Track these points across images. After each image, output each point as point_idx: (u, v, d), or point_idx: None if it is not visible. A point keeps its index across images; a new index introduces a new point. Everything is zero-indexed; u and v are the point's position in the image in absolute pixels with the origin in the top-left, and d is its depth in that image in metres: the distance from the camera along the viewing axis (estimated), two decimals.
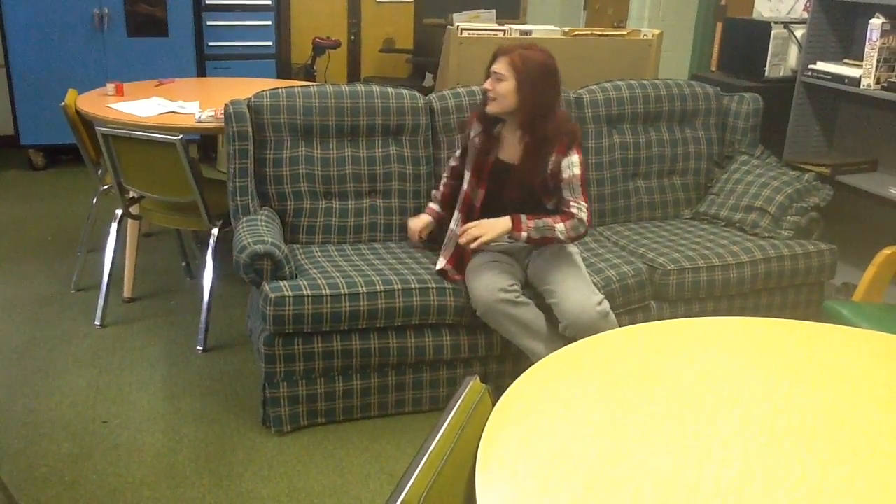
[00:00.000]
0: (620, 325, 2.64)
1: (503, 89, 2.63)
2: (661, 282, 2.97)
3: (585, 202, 2.69)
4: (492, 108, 2.68)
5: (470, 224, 2.67)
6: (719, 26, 5.47)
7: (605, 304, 2.63)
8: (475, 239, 2.62)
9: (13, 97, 5.26)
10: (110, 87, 3.89)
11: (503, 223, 2.64)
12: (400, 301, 2.64)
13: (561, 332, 2.64)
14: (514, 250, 2.80)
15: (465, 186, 2.80)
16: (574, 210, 2.67)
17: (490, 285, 2.62)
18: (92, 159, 3.66)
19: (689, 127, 3.53)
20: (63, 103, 3.51)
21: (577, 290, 2.62)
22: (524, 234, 2.64)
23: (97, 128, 3.19)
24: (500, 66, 2.63)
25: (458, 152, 2.94)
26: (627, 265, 2.93)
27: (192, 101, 3.73)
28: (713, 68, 5.06)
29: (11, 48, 5.13)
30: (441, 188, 2.97)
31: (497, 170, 2.74)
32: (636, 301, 2.92)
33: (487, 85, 2.66)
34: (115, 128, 3.20)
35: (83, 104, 3.57)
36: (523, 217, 2.65)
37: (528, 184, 2.68)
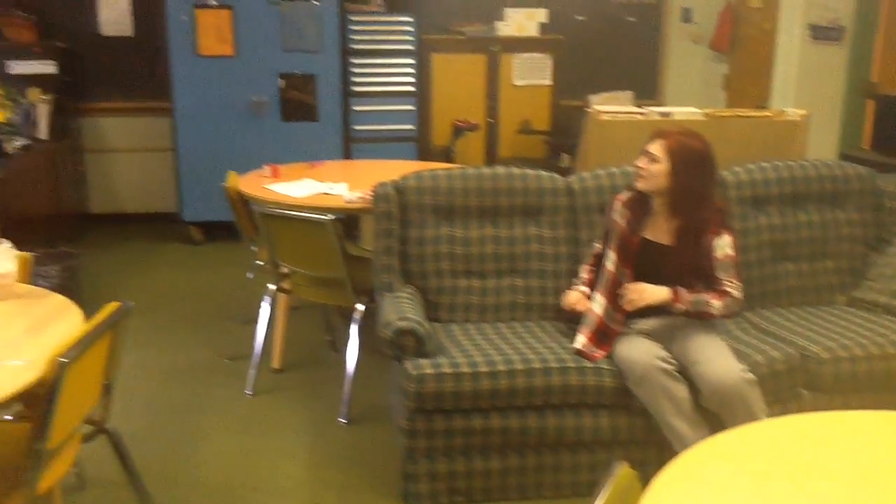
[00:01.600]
0: (771, 416, 2.54)
1: (655, 170, 2.67)
2: (815, 370, 2.83)
3: (739, 281, 2.71)
4: (641, 185, 2.73)
5: (631, 285, 2.71)
6: (870, 104, 5.30)
7: (751, 375, 2.56)
8: (632, 301, 2.68)
9: (178, 177, 5.71)
10: (267, 169, 4.15)
11: (662, 292, 2.68)
12: (539, 380, 2.64)
13: (704, 402, 2.57)
14: (657, 332, 2.76)
15: (609, 266, 2.81)
16: (728, 289, 2.69)
17: (649, 351, 2.62)
18: (248, 236, 3.90)
19: (840, 208, 3.40)
20: (225, 184, 3.78)
21: (721, 357, 2.60)
22: (682, 306, 2.67)
23: (255, 208, 3.42)
24: (656, 148, 2.68)
25: (597, 242, 2.96)
26: (776, 350, 2.82)
27: (341, 182, 3.92)
28: (865, 147, 4.87)
29: (179, 133, 5.60)
30: (584, 275, 2.98)
31: (645, 249, 2.75)
32: (786, 388, 2.79)
33: (640, 163, 2.70)
34: (271, 208, 3.42)
35: (243, 185, 3.83)
36: (682, 290, 2.67)
37: (682, 267, 2.69)
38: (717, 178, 2.76)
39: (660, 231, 2.76)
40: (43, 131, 5.30)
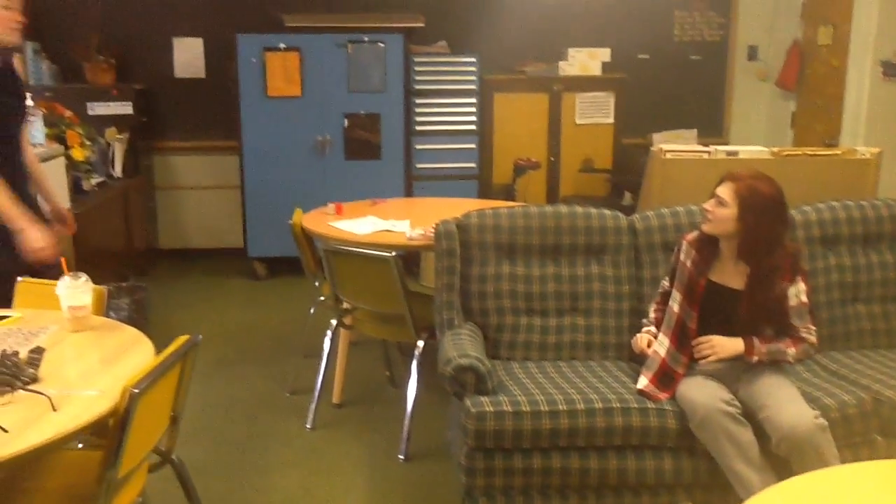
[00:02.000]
0: (842, 461, 2.46)
1: (722, 214, 2.63)
2: (889, 416, 2.72)
3: (814, 326, 2.68)
4: (707, 228, 2.69)
5: (704, 339, 2.67)
6: None
7: (823, 420, 2.48)
8: (705, 356, 2.65)
9: (244, 214, 5.85)
10: (331, 206, 4.23)
11: (736, 345, 2.64)
12: (601, 420, 2.60)
13: (774, 447, 2.49)
14: (723, 373, 2.70)
15: (675, 308, 2.76)
16: (804, 335, 2.66)
17: (714, 394, 2.57)
18: (311, 271, 3.97)
19: None
20: (291, 221, 3.86)
21: (792, 402, 2.52)
22: (756, 358, 2.62)
23: (319, 244, 3.48)
24: (725, 192, 2.64)
25: (666, 280, 2.92)
26: (848, 394, 2.73)
27: (403, 219, 3.97)
28: None
29: (247, 171, 5.76)
30: (653, 314, 2.93)
31: (711, 292, 2.70)
32: (859, 434, 2.69)
33: (707, 206, 2.67)
34: (334, 244, 3.48)
35: (307, 222, 3.91)
36: (756, 341, 2.64)
37: (753, 313, 2.64)
38: (788, 222, 2.70)
39: (727, 274, 2.70)
40: (117, 169, 5.51)
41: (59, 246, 2.87)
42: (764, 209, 2.60)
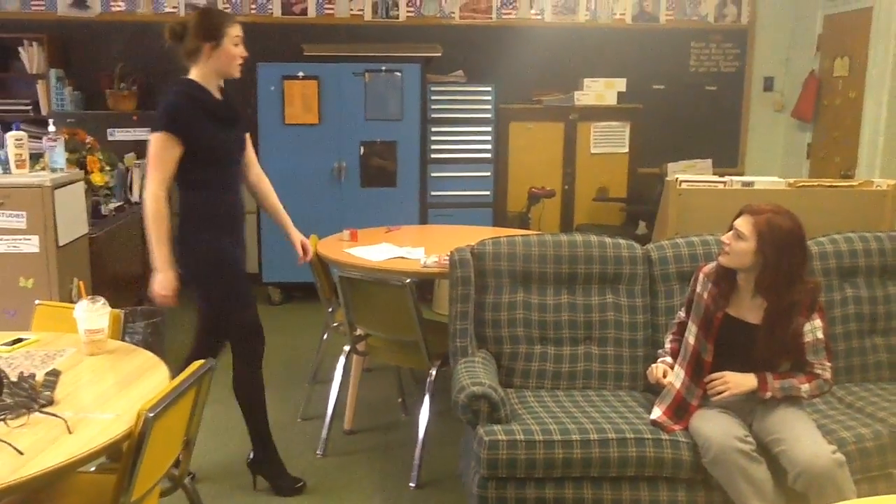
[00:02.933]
0: (859, 495, 2.42)
1: (740, 248, 2.61)
2: None
3: (829, 362, 2.64)
4: (724, 261, 2.67)
5: (717, 375, 2.64)
6: None
7: (841, 455, 2.45)
8: (718, 393, 2.63)
9: (260, 239, 5.89)
10: (346, 233, 4.25)
11: (749, 382, 2.61)
12: (615, 451, 2.59)
13: (791, 483, 2.45)
14: (737, 406, 2.67)
15: (691, 340, 2.75)
16: (818, 371, 2.63)
17: (727, 430, 2.53)
18: (326, 297, 3.98)
19: None
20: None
21: (809, 437, 2.49)
22: (769, 394, 2.60)
23: (334, 270, 3.49)
24: (743, 225, 2.62)
25: (682, 311, 2.91)
26: (865, 427, 2.70)
27: (418, 247, 3.98)
28: None
29: None
30: (669, 345, 2.91)
31: (728, 326, 2.68)
32: (877, 468, 2.66)
33: (725, 239, 2.65)
34: (349, 271, 3.49)
35: (323, 248, 3.92)
36: (769, 377, 2.61)
37: (770, 349, 2.62)
38: (808, 257, 2.66)
39: (744, 308, 2.68)
40: (136, 194, 5.57)
41: (174, 298, 2.99)
42: (783, 244, 2.57)
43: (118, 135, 5.74)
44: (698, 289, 2.79)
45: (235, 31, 2.95)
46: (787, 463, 2.47)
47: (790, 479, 2.46)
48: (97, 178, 4.66)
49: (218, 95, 3.02)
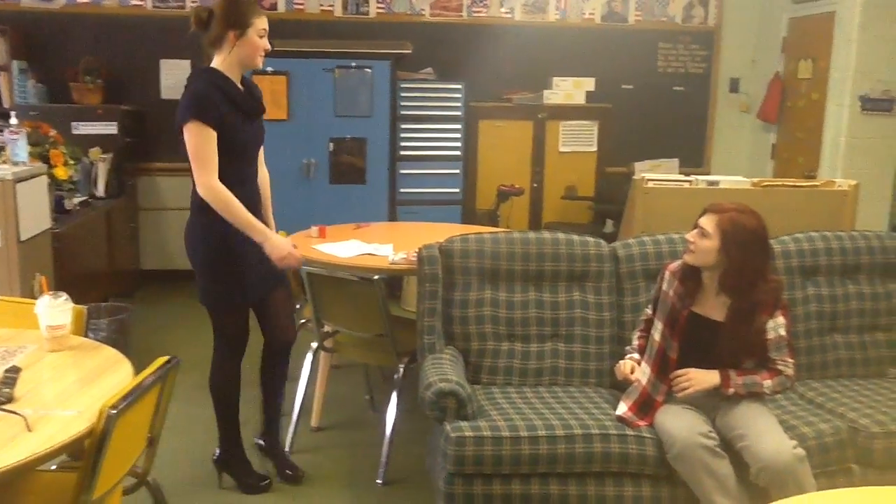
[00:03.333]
0: (819, 489, 2.47)
1: (704, 246, 2.64)
2: (866, 445, 2.74)
3: (792, 359, 2.68)
4: (689, 259, 2.70)
5: (681, 372, 2.67)
6: None
7: (801, 450, 2.50)
8: (683, 389, 2.65)
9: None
10: (314, 229, 4.23)
11: (712, 378, 2.64)
12: (580, 447, 2.61)
13: (753, 477, 2.50)
14: (701, 402, 2.71)
15: (657, 337, 2.78)
16: (780, 367, 2.67)
17: (690, 426, 2.56)
18: (294, 294, 3.95)
19: (892, 280, 3.34)
20: None
21: (771, 432, 2.53)
22: (732, 390, 2.63)
23: (302, 267, 3.47)
24: (707, 223, 2.65)
25: (649, 308, 2.94)
26: (825, 423, 2.76)
27: (386, 243, 3.97)
28: None
29: None
30: (637, 341, 2.94)
31: (693, 323, 2.72)
32: (835, 463, 2.72)
33: (690, 236, 2.68)
34: (317, 267, 3.47)
35: None
36: (732, 373, 2.64)
37: (734, 346, 2.65)
38: (771, 255, 2.70)
39: (709, 306, 2.71)
40: (101, 189, 5.49)
41: (299, 252, 3.01)
42: (746, 242, 2.61)
43: (83, 129, 5.64)
44: (664, 286, 2.82)
45: (262, 24, 2.92)
46: (750, 458, 2.51)
47: (752, 473, 2.50)
48: (61, 173, 4.59)
49: (240, 86, 2.98)
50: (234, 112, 2.91)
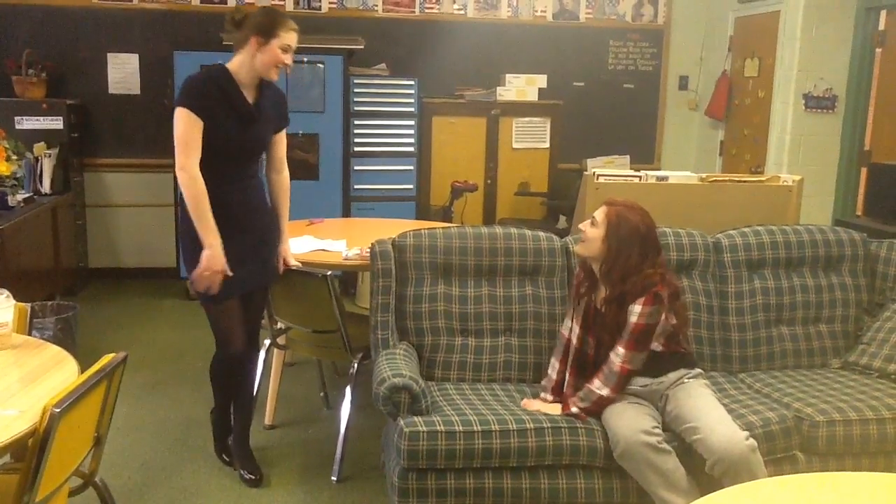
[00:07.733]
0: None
1: (592, 234, 2.74)
2: (810, 433, 2.81)
3: (625, 349, 2.68)
4: (578, 249, 2.82)
5: (528, 402, 2.81)
6: (864, 171, 5.38)
7: (753, 440, 2.55)
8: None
9: (178, 233, 5.74)
10: None
11: (555, 410, 2.74)
12: (532, 440, 2.63)
13: (708, 469, 2.54)
14: (646, 393, 2.75)
15: (573, 339, 2.84)
16: (612, 357, 2.71)
17: (633, 425, 2.59)
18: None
19: (834, 273, 3.43)
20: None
21: (723, 424, 2.57)
22: (574, 409, 2.71)
23: None
24: (598, 213, 2.75)
25: (563, 327, 2.97)
26: (771, 412, 2.82)
27: (340, 239, 3.96)
28: (859, 213, 4.93)
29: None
30: (555, 375, 2.91)
31: (595, 316, 2.80)
32: (781, 450, 2.78)
33: (582, 226, 2.77)
34: None
35: None
36: (569, 395, 2.76)
37: (606, 334, 2.73)
38: (649, 254, 2.72)
39: (600, 298, 2.79)
40: (46, 185, 5.36)
41: (217, 283, 2.94)
42: (625, 236, 2.69)
43: (27, 123, 5.50)
44: (575, 282, 2.89)
45: (288, 39, 2.94)
46: (704, 451, 2.55)
47: (707, 466, 2.54)
48: (3, 168, 4.48)
49: (248, 92, 2.99)
50: (227, 111, 2.92)
